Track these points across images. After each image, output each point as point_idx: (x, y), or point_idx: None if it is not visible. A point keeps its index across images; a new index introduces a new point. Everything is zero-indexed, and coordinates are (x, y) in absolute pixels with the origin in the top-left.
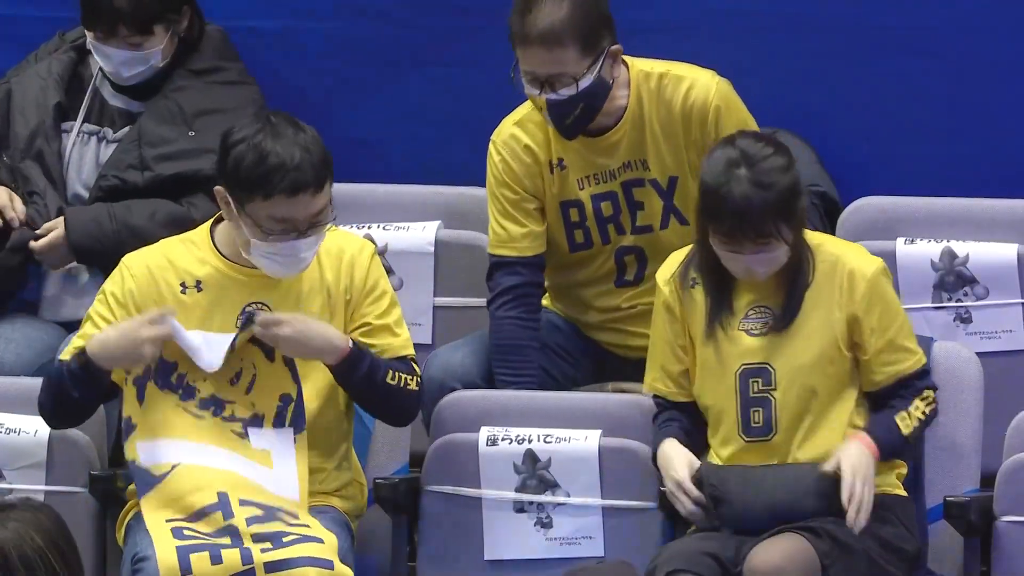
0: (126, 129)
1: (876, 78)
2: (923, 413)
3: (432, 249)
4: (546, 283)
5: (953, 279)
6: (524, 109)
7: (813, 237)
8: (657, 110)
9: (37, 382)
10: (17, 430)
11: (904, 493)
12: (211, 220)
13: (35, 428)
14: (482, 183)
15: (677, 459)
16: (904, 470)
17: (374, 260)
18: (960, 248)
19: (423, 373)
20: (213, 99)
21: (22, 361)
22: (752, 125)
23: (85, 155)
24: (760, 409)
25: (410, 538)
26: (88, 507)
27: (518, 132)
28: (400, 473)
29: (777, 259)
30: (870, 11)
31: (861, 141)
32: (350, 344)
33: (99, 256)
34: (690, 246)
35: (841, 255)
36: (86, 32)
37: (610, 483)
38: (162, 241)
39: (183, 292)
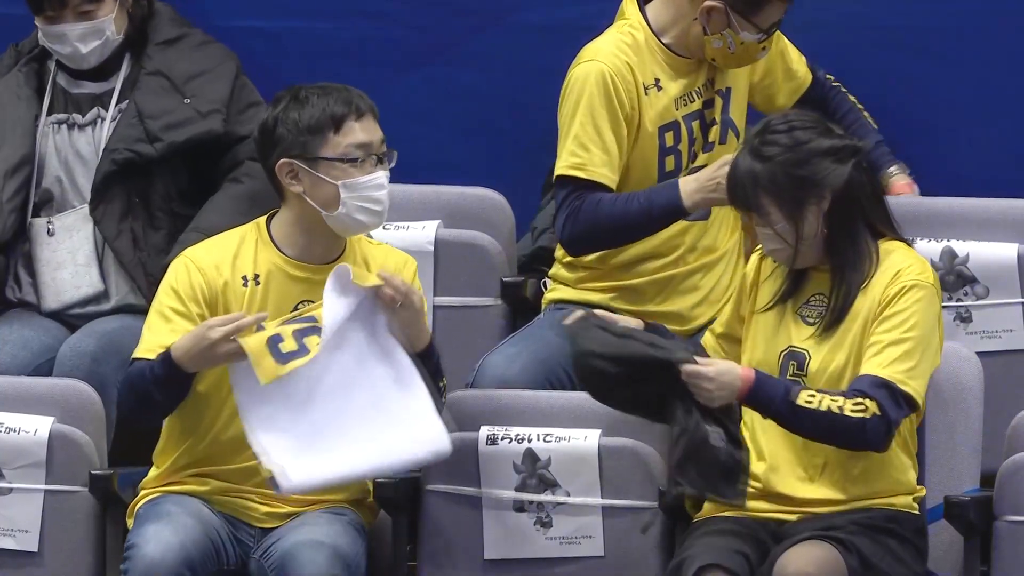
0: (94, 110)
1: (876, 77)
2: (838, 408)
3: (432, 248)
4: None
5: (953, 279)
6: (609, 34)
7: (889, 244)
8: None
9: (37, 381)
10: (17, 429)
11: (917, 511)
12: (266, 216)
13: (35, 427)
14: (483, 182)
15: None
16: (923, 494)
17: (416, 275)
18: (960, 248)
19: (472, 380)
20: (194, 62)
21: (18, 362)
22: None
23: (60, 144)
24: None
25: (410, 537)
26: (88, 506)
27: (617, 52)
28: (400, 473)
29: (775, 239)
30: (870, 10)
31: None
32: None
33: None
34: None
35: (899, 262)
36: (36, 19)
37: (610, 482)
38: (219, 235)
39: (244, 285)
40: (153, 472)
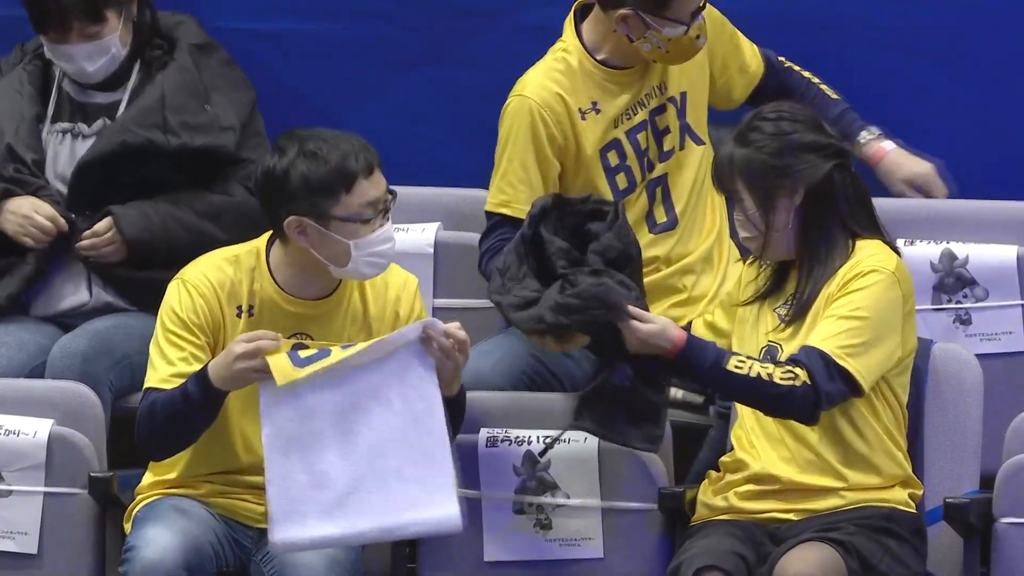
0: (100, 122)
1: (876, 78)
2: (768, 375)
3: (432, 251)
4: None
5: (953, 281)
6: (544, 62)
7: (865, 242)
8: None
9: (36, 383)
10: (16, 432)
11: (914, 511)
12: (265, 241)
13: (34, 430)
14: (483, 184)
15: None
16: (919, 492)
17: (418, 294)
18: (960, 249)
19: None
20: (220, 76)
21: (14, 364)
22: None
23: (60, 153)
24: None
25: (410, 540)
26: (87, 508)
27: (547, 82)
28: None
29: (747, 225)
30: (869, 10)
31: None
32: None
33: (152, 249)
34: None
35: (865, 254)
36: (41, 38)
37: (609, 485)
38: (216, 255)
39: (238, 315)
40: (148, 477)
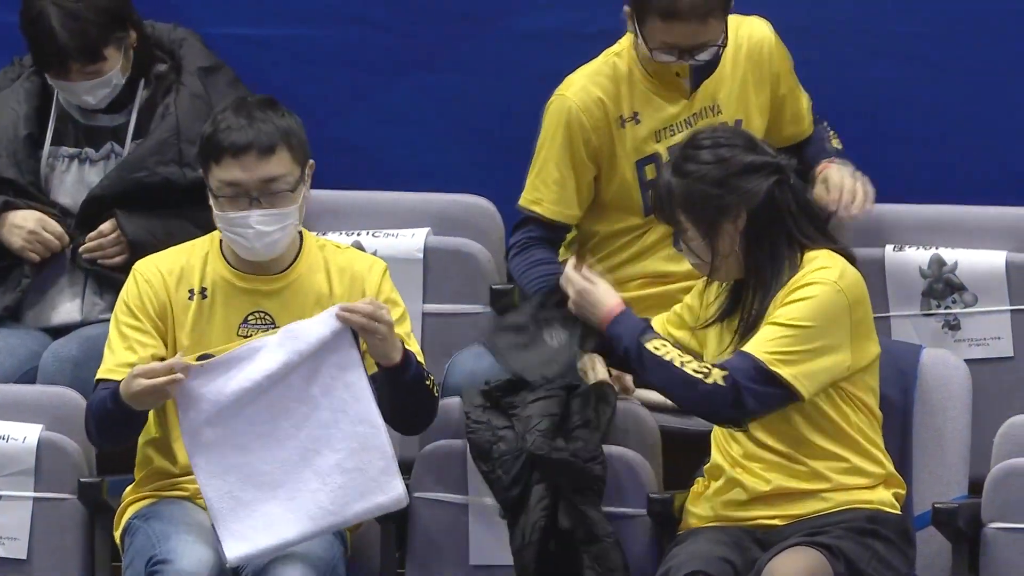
0: (108, 146)
1: (864, 85)
2: (680, 363)
3: (421, 256)
4: None
5: (942, 286)
6: (594, 63)
7: (814, 253)
8: (730, 52)
9: (26, 388)
10: (6, 437)
11: (899, 512)
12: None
13: (24, 435)
14: (472, 189)
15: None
16: (903, 491)
17: (385, 276)
18: (949, 255)
19: (444, 376)
20: (229, 98)
21: (3, 370)
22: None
23: (67, 179)
24: None
25: (399, 545)
26: (76, 514)
27: (590, 85)
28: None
29: (692, 254)
30: (857, 16)
31: (849, 148)
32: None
33: (153, 250)
34: None
35: (812, 268)
36: (43, 71)
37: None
38: (173, 248)
39: (190, 298)
40: (131, 490)
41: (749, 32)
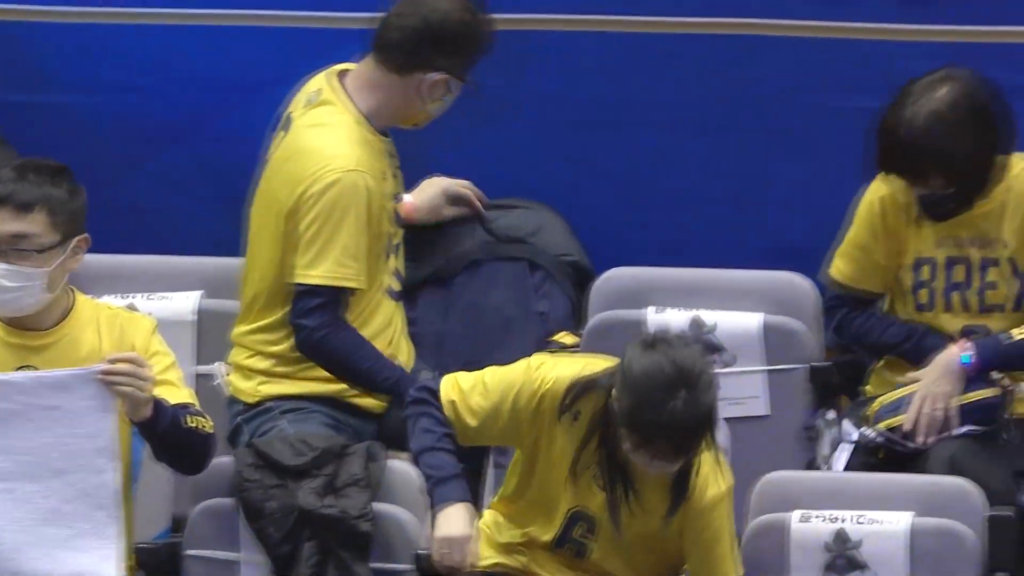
0: None
1: (627, 150)
2: None
3: (195, 318)
4: None
5: (701, 347)
6: (337, 128)
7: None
8: None
9: None
10: None
11: None
12: None
13: None
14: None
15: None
16: None
17: (154, 333)
18: (708, 317)
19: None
20: None
21: None
22: None
23: None
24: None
25: None
26: None
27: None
28: (161, 537)
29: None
30: (620, 85)
31: (612, 212)
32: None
33: None
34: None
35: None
36: None
37: None
38: None
39: None
40: None
41: None
